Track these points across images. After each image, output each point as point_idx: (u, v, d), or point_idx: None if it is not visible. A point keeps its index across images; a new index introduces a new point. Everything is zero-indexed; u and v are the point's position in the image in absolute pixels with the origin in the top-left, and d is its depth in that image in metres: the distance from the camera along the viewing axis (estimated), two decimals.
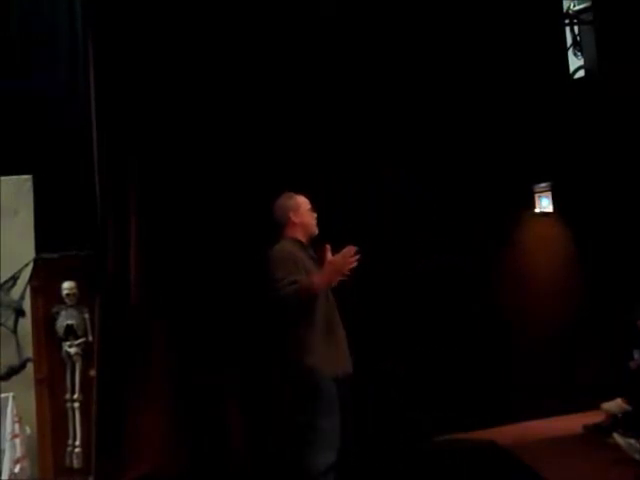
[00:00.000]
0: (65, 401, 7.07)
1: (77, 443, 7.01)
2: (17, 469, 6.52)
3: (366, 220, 7.43)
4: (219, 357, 6.92)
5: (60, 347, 7.10)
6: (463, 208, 8.05)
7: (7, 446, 6.53)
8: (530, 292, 8.44)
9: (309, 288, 4.40)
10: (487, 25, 8.10)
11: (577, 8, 9.10)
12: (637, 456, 6.00)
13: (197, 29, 7.12)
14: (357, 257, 4.39)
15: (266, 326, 5.10)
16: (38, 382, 7.07)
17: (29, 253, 7.18)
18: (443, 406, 7.41)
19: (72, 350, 7.08)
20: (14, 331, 7.13)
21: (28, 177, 7.34)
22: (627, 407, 6.62)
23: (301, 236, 4.75)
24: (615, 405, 6.75)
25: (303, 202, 4.82)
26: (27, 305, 7.17)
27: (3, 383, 6.94)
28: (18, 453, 6.57)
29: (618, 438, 6.18)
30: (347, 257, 4.38)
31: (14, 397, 6.71)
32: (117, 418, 6.71)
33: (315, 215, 4.84)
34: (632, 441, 6.12)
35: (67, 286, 7.14)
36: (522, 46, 8.30)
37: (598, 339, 8.33)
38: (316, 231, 4.79)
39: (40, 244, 7.23)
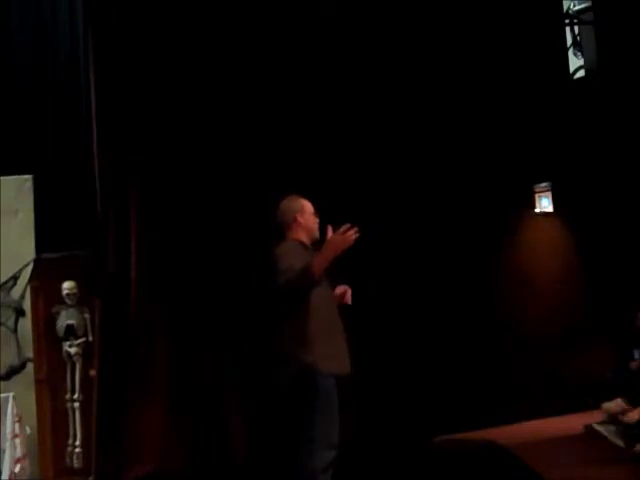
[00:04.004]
0: (65, 401, 7.07)
1: (77, 443, 7.02)
2: (17, 469, 6.53)
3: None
4: (220, 357, 6.92)
5: (60, 347, 7.11)
6: (463, 208, 8.04)
7: (7, 446, 6.54)
8: (530, 292, 8.43)
9: (309, 268, 4.43)
10: (487, 25, 8.10)
11: (577, 8, 9.11)
12: (619, 442, 6.08)
13: (198, 29, 7.12)
14: (356, 234, 4.41)
15: (267, 325, 5.10)
16: (38, 382, 7.08)
17: (29, 253, 7.18)
18: (443, 406, 7.41)
19: (72, 350, 7.08)
20: (14, 331, 7.13)
21: (28, 177, 7.35)
22: (627, 407, 6.62)
23: (304, 238, 4.77)
24: (615, 405, 6.75)
25: (307, 205, 4.85)
26: (27, 305, 7.17)
27: (3, 383, 6.94)
28: (18, 453, 6.58)
29: (598, 427, 6.28)
30: (345, 234, 4.41)
31: (14, 397, 6.72)
32: (117, 418, 6.71)
33: (317, 220, 4.85)
34: (612, 427, 6.20)
35: (67, 286, 7.14)
36: (522, 46, 8.30)
37: (598, 339, 8.33)
38: (318, 235, 4.80)
39: (40, 244, 7.23)
